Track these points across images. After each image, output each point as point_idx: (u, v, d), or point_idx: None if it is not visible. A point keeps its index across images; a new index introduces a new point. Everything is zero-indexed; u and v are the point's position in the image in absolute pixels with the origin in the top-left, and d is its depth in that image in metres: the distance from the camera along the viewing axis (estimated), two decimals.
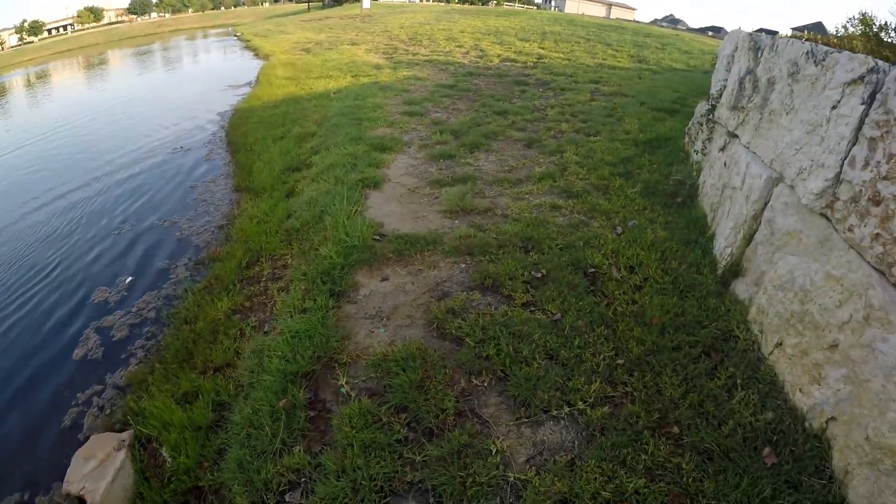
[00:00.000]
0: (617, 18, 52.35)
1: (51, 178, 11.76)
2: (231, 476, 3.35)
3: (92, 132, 16.27)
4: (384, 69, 16.10)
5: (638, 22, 56.13)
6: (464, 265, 4.84)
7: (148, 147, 12.78)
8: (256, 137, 10.41)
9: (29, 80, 48.33)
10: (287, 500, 3.11)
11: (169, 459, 3.85)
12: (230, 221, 7.42)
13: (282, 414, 3.53)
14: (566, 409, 3.27)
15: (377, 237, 5.41)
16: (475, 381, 3.52)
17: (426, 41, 23.09)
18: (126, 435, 4.19)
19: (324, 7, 64.84)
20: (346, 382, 3.66)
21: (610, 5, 72.53)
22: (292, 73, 17.51)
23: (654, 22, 62.50)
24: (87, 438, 4.56)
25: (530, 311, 4.10)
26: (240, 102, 15.04)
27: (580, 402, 3.28)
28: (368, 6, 46.01)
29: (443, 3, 64.93)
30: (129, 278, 6.82)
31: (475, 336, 3.85)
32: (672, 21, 67.49)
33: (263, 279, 5.46)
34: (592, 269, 4.63)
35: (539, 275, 4.54)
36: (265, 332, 4.59)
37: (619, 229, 5.34)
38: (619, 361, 3.59)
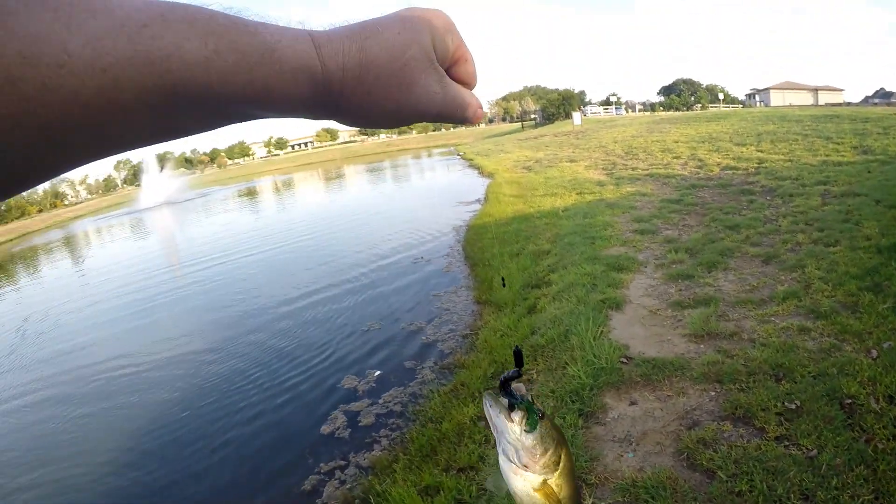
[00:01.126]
0: (826, 104, 49.15)
1: (305, 277, 13.20)
2: None
3: (335, 239, 18.11)
4: (607, 185, 16.21)
5: (849, 104, 52.76)
6: (713, 393, 4.65)
7: (390, 255, 13.87)
8: (493, 253, 10.82)
9: (276, 186, 54.24)
10: None
11: None
12: (474, 332, 7.70)
13: None
14: None
15: (623, 360, 5.36)
16: None
17: (642, 154, 22.98)
18: None
19: (536, 126, 67.06)
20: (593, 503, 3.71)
21: (816, 90, 68.44)
22: (518, 191, 18.12)
23: (866, 100, 58.33)
24: None
25: (784, 446, 3.82)
26: (472, 218, 15.71)
27: None
28: (580, 122, 46.83)
29: (648, 113, 64.97)
30: (378, 372, 7.32)
31: (727, 470, 3.66)
32: (884, 96, 62.39)
33: None
34: (849, 400, 4.20)
35: (792, 406, 4.22)
36: None
37: (875, 353, 4.82)
38: None
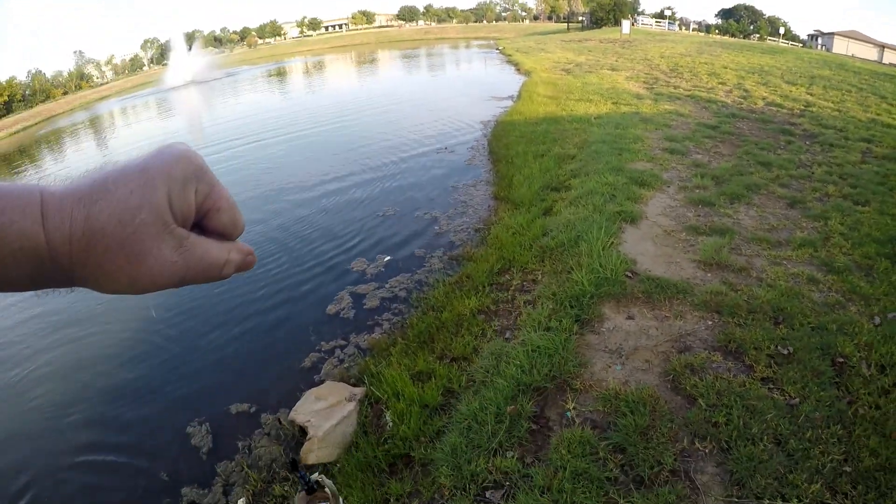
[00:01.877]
0: (890, 64, 47.03)
1: (329, 162, 13.27)
2: (442, 457, 3.58)
3: (362, 125, 17.98)
4: (645, 100, 15.70)
5: None
6: (710, 322, 4.65)
7: (415, 143, 13.81)
8: (518, 151, 10.66)
9: (307, 67, 53.46)
10: (487, 496, 3.29)
11: (391, 424, 4.20)
12: (486, 226, 7.71)
13: (506, 418, 3.71)
14: (779, 503, 3.03)
15: (629, 274, 5.36)
16: (697, 445, 3.38)
17: (687, 74, 22.07)
18: (359, 391, 4.65)
19: (583, 29, 64.77)
20: (574, 408, 3.73)
21: (883, 47, 64.62)
22: (553, 93, 17.66)
23: None
24: (321, 382, 5.13)
25: (768, 388, 3.84)
26: (502, 115, 15.41)
27: (795, 500, 3.00)
28: (628, 31, 44.92)
29: (702, 34, 62.59)
30: (388, 257, 7.40)
31: (708, 399, 3.70)
32: None
33: (512, 288, 5.64)
34: (841, 359, 4.20)
35: (785, 352, 4.23)
36: (506, 339, 4.76)
37: (877, 320, 4.77)
38: (847, 469, 3.22)
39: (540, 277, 5.71)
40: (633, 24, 51.13)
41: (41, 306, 7.71)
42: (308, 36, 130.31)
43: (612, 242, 5.97)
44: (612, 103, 14.96)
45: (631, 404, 3.66)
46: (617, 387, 3.86)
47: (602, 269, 5.33)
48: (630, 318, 4.73)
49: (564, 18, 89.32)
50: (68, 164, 24.65)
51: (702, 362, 4.10)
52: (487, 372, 4.29)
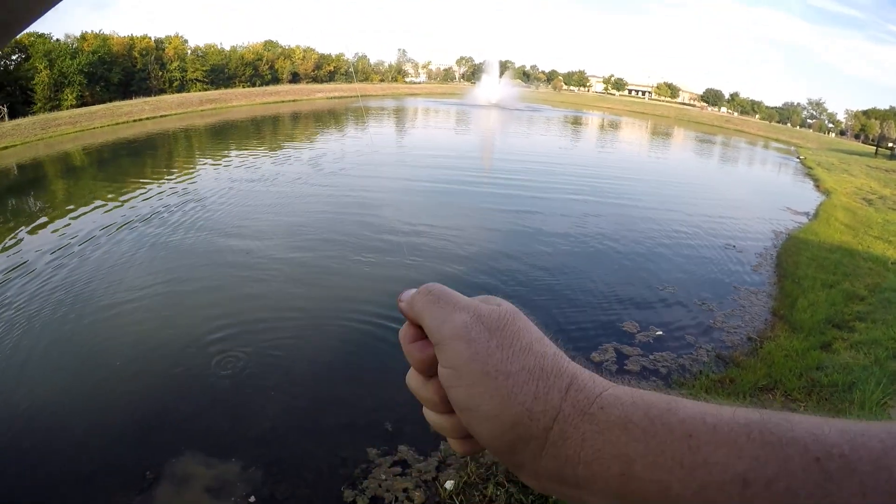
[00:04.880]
0: None
1: (602, 220, 13.56)
2: None
3: (653, 194, 17.99)
4: None
5: None
6: None
7: (702, 231, 13.55)
8: (806, 273, 10.16)
9: (602, 123, 53.92)
10: None
11: None
12: (760, 339, 7.57)
13: None
14: None
15: None
16: None
17: None
18: None
19: (892, 157, 58.24)
20: None
21: None
22: (851, 222, 16.37)
23: None
24: None
25: None
26: (795, 230, 14.52)
27: None
28: None
29: None
30: (659, 332, 7.56)
31: None
32: None
33: (772, 409, 5.65)
34: None
35: None
36: None
37: None
38: None
39: (801, 409, 5.66)
40: None
41: None
42: (611, 94, 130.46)
43: (886, 402, 5.70)
44: None
45: None
46: None
47: None
48: None
49: (873, 141, 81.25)
50: (365, 138, 27.89)
51: None
52: None
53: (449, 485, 4.46)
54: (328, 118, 40.45)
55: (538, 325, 0.55)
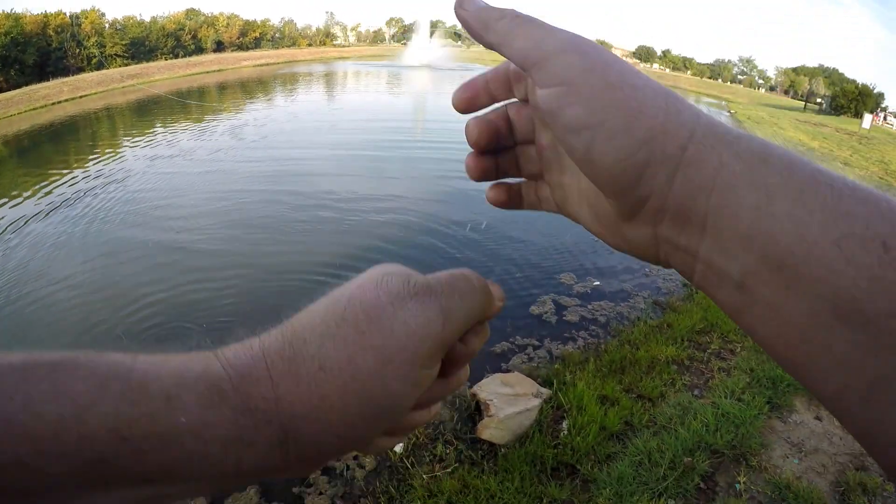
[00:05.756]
0: None
1: None
2: (607, 481, 3.80)
3: None
4: None
5: None
6: None
7: None
8: None
9: None
10: None
11: (566, 432, 4.47)
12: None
13: (679, 467, 3.91)
14: None
15: None
16: None
17: None
18: (545, 391, 4.91)
19: (820, 112, 60.20)
20: (744, 482, 3.82)
21: None
22: None
23: None
24: (507, 370, 5.43)
25: None
26: None
27: None
28: (868, 126, 41.12)
29: None
30: (596, 282, 7.63)
31: None
32: None
33: (709, 351, 5.73)
34: None
35: None
36: (695, 395, 4.94)
37: None
38: None
39: (739, 350, 5.74)
40: (874, 120, 46.73)
41: None
42: None
43: None
44: None
45: (799, 499, 3.70)
46: (790, 478, 3.89)
47: None
48: (818, 419, 4.70)
49: (802, 97, 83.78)
50: (296, 106, 27.07)
51: (875, 487, 4.01)
52: (671, 419, 4.47)
53: (398, 448, 4.42)
54: (255, 86, 39.56)
55: None
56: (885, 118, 56.72)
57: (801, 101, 73.40)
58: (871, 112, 47.73)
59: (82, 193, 11.94)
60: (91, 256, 8.44)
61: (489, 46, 0.47)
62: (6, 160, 18.83)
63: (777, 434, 4.42)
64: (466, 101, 0.53)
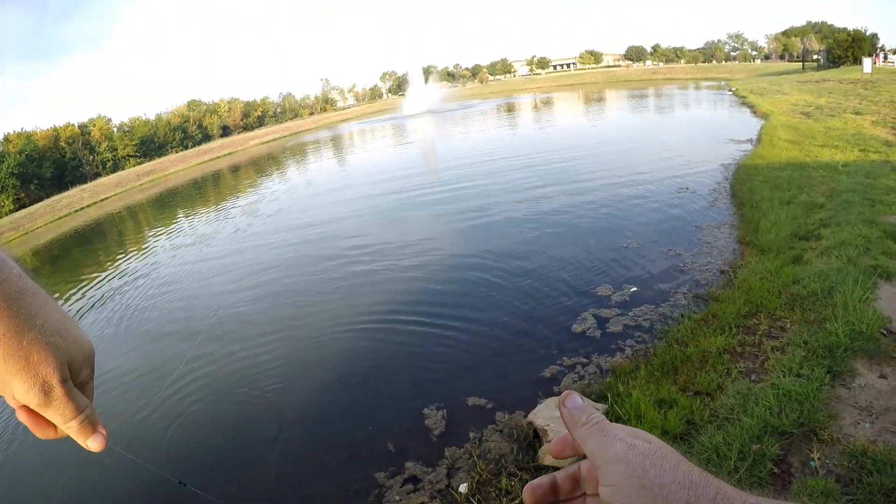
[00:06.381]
0: None
1: (560, 191, 13.97)
2: None
3: (594, 161, 18.27)
4: None
5: None
6: None
7: (652, 181, 13.79)
8: (762, 196, 10.22)
9: (535, 104, 54.70)
10: None
11: None
12: (732, 269, 7.58)
13: (750, 456, 3.82)
14: None
15: (883, 332, 5.05)
16: None
17: None
18: (601, 407, 4.87)
19: (819, 68, 59.06)
20: (818, 458, 3.70)
21: None
22: (794, 137, 16.52)
23: None
24: (560, 393, 5.39)
25: None
26: (742, 158, 14.71)
27: None
28: (870, 70, 39.98)
29: None
30: (634, 288, 7.59)
31: None
32: None
33: (759, 333, 5.62)
34: None
35: None
36: (753, 380, 4.83)
37: None
38: None
39: (789, 325, 5.61)
40: (874, 62, 45.65)
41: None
42: (537, 74, 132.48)
43: (868, 297, 5.64)
44: (860, 150, 13.57)
45: (878, 464, 3.53)
46: (865, 444, 3.75)
47: (857, 322, 5.10)
48: (883, 377, 4.55)
49: (798, 57, 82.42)
50: (310, 175, 27.77)
51: None
52: (732, 409, 4.39)
53: (463, 488, 4.49)
54: (266, 162, 40.50)
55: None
56: (885, 58, 55.56)
57: (799, 61, 72.33)
58: (870, 55, 46.95)
59: (112, 292, 12.78)
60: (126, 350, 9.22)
61: (574, 438, 0.67)
62: (39, 269, 19.67)
63: (843, 402, 4.29)
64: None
